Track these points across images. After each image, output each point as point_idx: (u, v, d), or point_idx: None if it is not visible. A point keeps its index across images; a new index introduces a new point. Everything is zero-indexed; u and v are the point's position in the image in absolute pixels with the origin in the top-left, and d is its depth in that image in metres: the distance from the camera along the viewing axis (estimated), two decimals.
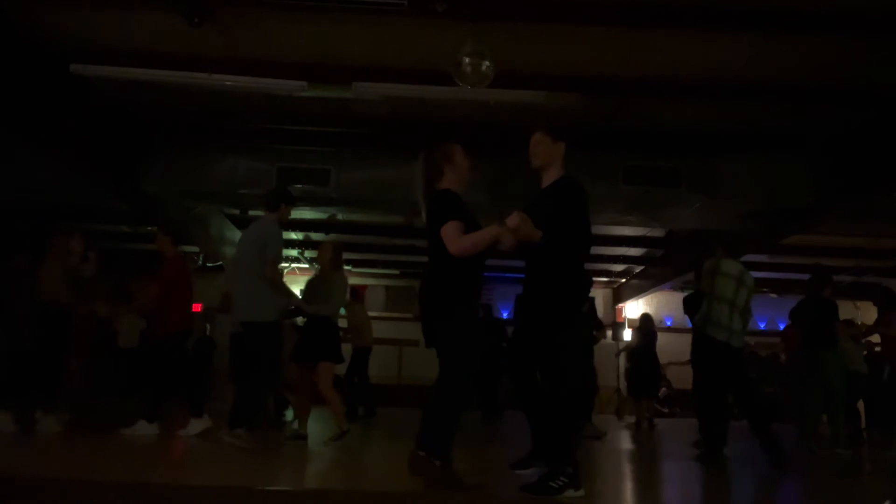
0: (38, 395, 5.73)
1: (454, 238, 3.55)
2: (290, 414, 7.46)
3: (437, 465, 3.39)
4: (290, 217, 5.47)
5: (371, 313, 11.29)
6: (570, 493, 3.34)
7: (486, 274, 3.78)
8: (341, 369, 7.66)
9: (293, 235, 11.78)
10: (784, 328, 9.51)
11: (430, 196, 3.84)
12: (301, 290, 7.42)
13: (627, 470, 5.28)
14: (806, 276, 7.08)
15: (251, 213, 8.60)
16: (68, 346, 5.88)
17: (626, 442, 7.55)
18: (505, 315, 14.51)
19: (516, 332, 3.73)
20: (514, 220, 3.45)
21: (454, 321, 3.51)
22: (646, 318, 10.23)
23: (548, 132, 3.78)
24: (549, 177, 3.76)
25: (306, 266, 13.70)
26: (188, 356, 6.01)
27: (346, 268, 12.64)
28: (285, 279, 7.21)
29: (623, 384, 14.29)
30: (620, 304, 15.80)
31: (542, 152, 3.78)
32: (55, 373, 5.79)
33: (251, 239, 5.12)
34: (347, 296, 6.14)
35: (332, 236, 11.38)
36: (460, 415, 3.54)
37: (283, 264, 13.42)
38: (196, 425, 5.64)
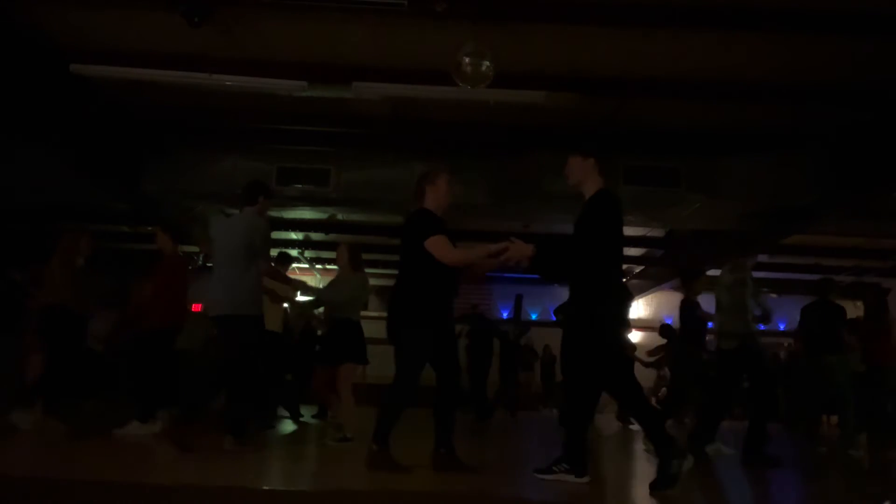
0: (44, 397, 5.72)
1: (447, 249, 3.91)
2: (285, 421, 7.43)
3: (375, 449, 3.85)
4: (269, 211, 5.34)
5: (370, 313, 11.26)
6: (571, 478, 3.72)
7: (456, 284, 4.09)
8: None
9: (293, 235, 11.78)
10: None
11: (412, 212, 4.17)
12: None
13: (628, 468, 5.28)
14: (806, 276, 7.08)
15: (248, 208, 8.60)
16: (74, 348, 5.86)
17: (626, 441, 7.55)
18: (504, 315, 14.51)
19: (563, 343, 3.96)
20: (515, 249, 3.79)
21: (407, 336, 3.93)
22: None
23: (577, 153, 4.09)
24: (588, 191, 4.01)
25: (306, 266, 13.70)
26: (173, 355, 5.91)
27: None
28: None
29: None
30: None
31: (573, 171, 4.09)
32: (61, 375, 5.76)
33: (237, 232, 4.93)
34: (367, 296, 6.12)
35: (332, 236, 11.38)
36: (401, 410, 3.96)
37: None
38: (139, 427, 5.46)
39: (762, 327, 5.71)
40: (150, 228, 6.15)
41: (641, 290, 14.21)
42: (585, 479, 3.74)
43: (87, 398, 6.79)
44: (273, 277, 5.19)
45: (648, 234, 11.12)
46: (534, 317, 14.53)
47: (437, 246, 3.89)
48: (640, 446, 6.41)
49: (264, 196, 5.14)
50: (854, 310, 7.72)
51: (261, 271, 4.99)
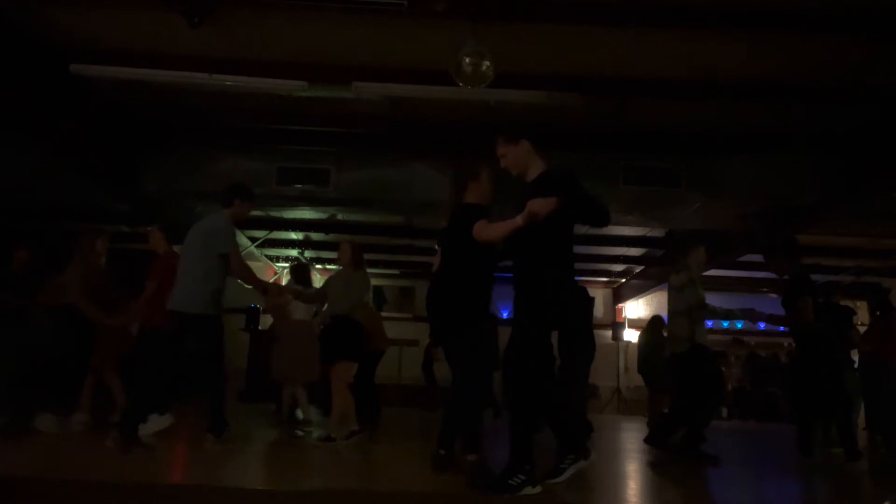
0: (55, 397, 5.71)
1: (479, 228, 3.85)
2: (300, 413, 7.39)
3: (442, 454, 3.81)
4: (248, 214, 5.33)
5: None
6: (528, 489, 3.45)
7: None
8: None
9: (293, 235, 11.78)
10: None
11: (457, 208, 4.17)
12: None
13: (625, 470, 5.29)
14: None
15: (250, 213, 8.61)
16: (88, 349, 5.85)
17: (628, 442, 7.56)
18: (505, 315, 14.51)
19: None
20: (534, 205, 3.56)
21: (472, 334, 3.88)
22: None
23: (503, 141, 3.86)
24: (532, 174, 3.85)
25: None
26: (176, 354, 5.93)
27: None
28: (284, 280, 7.23)
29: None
30: (620, 304, 15.81)
31: (510, 162, 3.88)
32: (75, 375, 5.76)
33: (197, 231, 5.03)
34: (369, 295, 6.15)
35: (331, 236, 11.38)
36: (480, 415, 3.91)
37: (283, 264, 13.41)
38: (156, 423, 5.33)
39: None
40: (148, 228, 6.14)
41: (641, 290, 14.22)
42: (594, 456, 3.75)
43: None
44: (244, 279, 5.06)
45: (648, 234, 11.12)
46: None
47: (478, 228, 3.88)
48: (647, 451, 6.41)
49: (240, 199, 5.13)
50: (854, 308, 7.72)
51: (228, 271, 4.95)
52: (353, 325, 5.59)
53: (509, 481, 3.43)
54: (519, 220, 3.61)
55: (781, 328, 7.02)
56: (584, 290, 7.19)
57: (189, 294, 4.85)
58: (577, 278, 4.77)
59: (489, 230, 3.85)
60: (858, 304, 9.17)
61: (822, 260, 11.18)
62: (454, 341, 3.95)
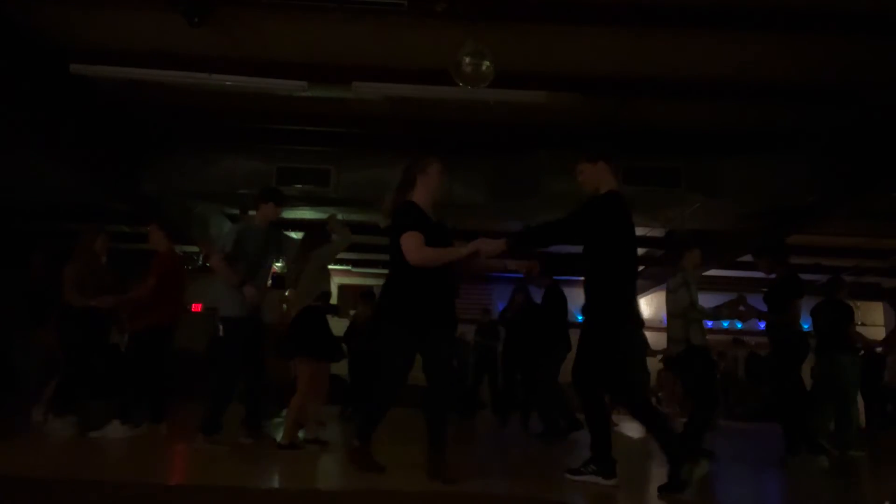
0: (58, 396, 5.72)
1: (416, 248, 3.73)
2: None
3: (357, 446, 3.86)
4: (279, 215, 5.42)
5: None
6: (600, 480, 3.69)
7: (450, 282, 3.94)
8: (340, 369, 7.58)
9: (293, 235, 11.77)
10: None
11: (396, 205, 4.01)
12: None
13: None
14: (806, 276, 7.05)
15: (251, 212, 8.61)
16: (87, 348, 5.86)
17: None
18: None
19: (579, 345, 3.87)
20: (482, 244, 3.76)
21: (387, 333, 3.80)
22: None
23: (584, 159, 3.94)
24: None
25: None
26: (168, 353, 5.93)
27: (345, 267, 12.63)
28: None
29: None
30: None
31: (585, 179, 3.96)
32: (74, 374, 5.76)
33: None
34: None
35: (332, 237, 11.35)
36: (385, 409, 3.90)
37: (279, 264, 13.39)
38: (118, 429, 5.30)
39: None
40: (147, 226, 6.15)
41: (641, 291, 14.19)
42: (613, 482, 3.68)
43: (107, 397, 6.78)
44: (219, 273, 5.05)
45: (648, 234, 11.11)
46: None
47: (407, 243, 3.75)
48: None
49: (264, 201, 5.27)
50: (854, 308, 7.69)
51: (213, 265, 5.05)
52: (314, 316, 5.15)
53: (581, 469, 3.70)
54: (463, 251, 3.76)
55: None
56: (557, 287, 7.24)
57: (220, 297, 5.07)
58: (573, 279, 4.86)
59: (429, 254, 3.76)
60: (859, 303, 9.19)
61: (822, 260, 11.18)
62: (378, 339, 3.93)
